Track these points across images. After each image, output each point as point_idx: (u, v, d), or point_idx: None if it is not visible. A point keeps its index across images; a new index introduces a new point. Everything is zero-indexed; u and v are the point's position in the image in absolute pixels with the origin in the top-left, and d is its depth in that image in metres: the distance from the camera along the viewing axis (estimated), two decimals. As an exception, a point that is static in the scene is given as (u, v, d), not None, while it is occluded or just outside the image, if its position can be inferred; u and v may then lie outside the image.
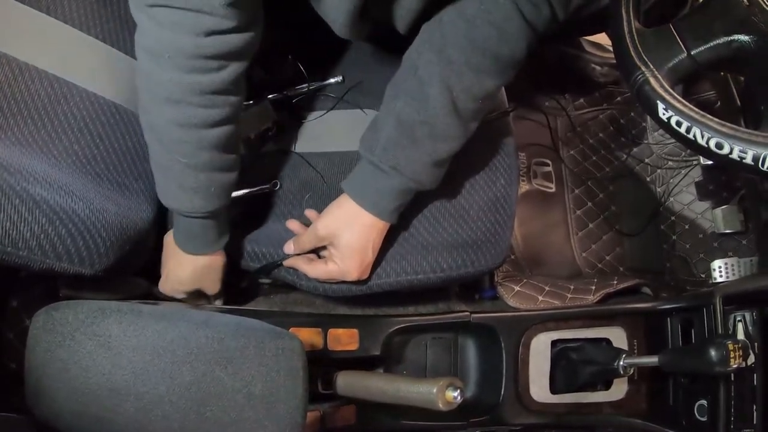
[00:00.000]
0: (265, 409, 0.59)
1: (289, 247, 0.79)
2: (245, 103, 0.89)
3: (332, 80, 0.95)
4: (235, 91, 0.68)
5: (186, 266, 0.77)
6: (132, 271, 0.79)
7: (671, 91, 0.67)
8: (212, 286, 0.81)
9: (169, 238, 0.79)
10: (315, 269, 0.77)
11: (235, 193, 0.82)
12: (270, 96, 0.90)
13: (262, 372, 0.60)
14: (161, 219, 0.82)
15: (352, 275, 0.75)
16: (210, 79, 0.63)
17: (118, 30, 0.80)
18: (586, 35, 1.24)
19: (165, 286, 0.80)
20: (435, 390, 0.62)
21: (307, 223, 0.82)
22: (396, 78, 0.72)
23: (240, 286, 0.92)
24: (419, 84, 0.68)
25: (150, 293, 0.81)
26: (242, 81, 0.69)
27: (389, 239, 0.82)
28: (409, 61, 0.71)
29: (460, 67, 0.67)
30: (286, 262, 0.80)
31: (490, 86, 0.69)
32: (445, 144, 0.71)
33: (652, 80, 0.68)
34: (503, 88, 0.95)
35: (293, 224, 0.82)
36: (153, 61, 0.64)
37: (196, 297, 0.83)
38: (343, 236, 0.73)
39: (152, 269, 0.83)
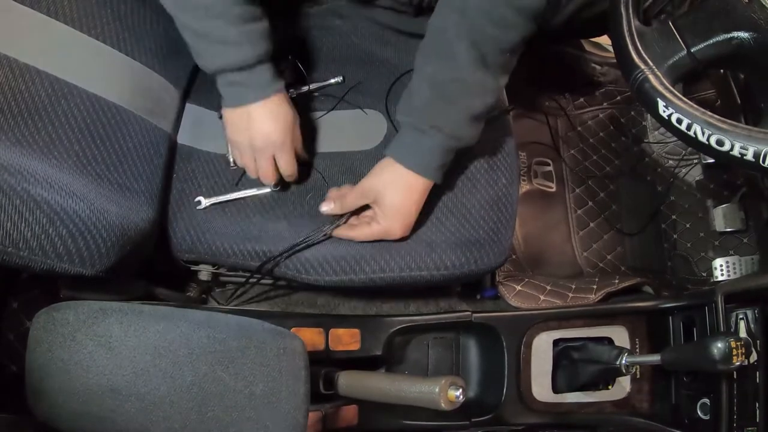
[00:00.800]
0: (267, 409, 0.59)
1: (329, 206, 0.80)
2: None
3: (332, 80, 0.95)
4: None
5: (265, 115, 0.77)
6: (133, 272, 0.79)
7: (671, 88, 0.67)
8: (291, 126, 0.80)
9: (233, 113, 0.79)
10: (360, 231, 0.78)
11: (237, 195, 0.84)
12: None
13: (263, 372, 0.60)
14: (161, 219, 0.82)
15: (396, 233, 0.77)
16: None
17: (118, 31, 0.80)
18: (587, 38, 1.24)
19: (254, 154, 0.80)
20: (437, 389, 0.62)
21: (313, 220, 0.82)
22: (423, 45, 0.75)
23: (240, 287, 0.92)
24: (447, 45, 0.71)
25: (151, 294, 0.81)
26: None
27: None
28: (434, 26, 0.74)
29: (483, 23, 0.69)
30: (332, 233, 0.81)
31: (514, 37, 0.71)
32: (479, 99, 0.73)
33: (651, 78, 0.68)
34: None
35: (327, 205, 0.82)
36: None
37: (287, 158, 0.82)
38: (387, 195, 0.75)
39: (153, 270, 0.83)
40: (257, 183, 0.88)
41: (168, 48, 0.87)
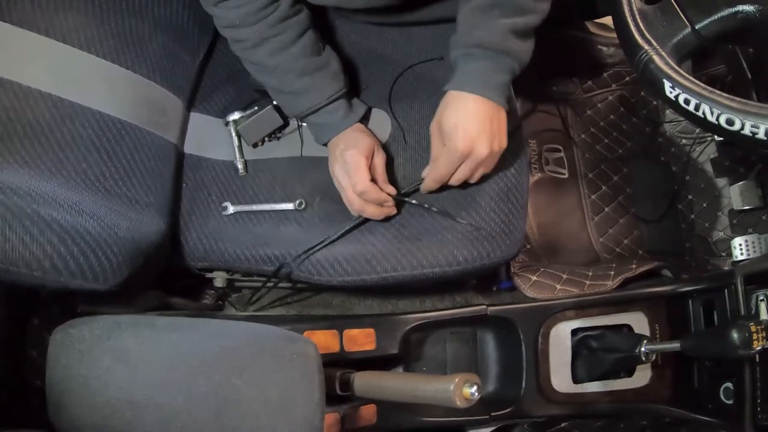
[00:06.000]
0: (283, 414, 0.60)
1: (428, 183, 0.80)
2: (251, 110, 0.90)
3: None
4: (294, 13, 0.81)
5: (348, 140, 0.82)
6: (148, 284, 0.80)
7: (677, 68, 0.66)
8: (376, 141, 0.82)
9: (330, 158, 0.83)
10: (435, 170, 0.78)
11: (263, 207, 0.87)
12: (275, 102, 0.90)
13: (277, 378, 0.60)
14: (173, 230, 0.83)
15: (459, 146, 0.74)
16: (272, 14, 0.78)
17: (117, 46, 0.80)
18: (591, 18, 1.22)
19: (348, 191, 0.80)
20: (451, 387, 0.61)
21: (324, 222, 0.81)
22: None
23: (256, 292, 0.93)
24: None
25: (167, 304, 0.82)
26: (294, 5, 0.81)
27: (404, 233, 0.82)
28: None
29: None
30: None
31: None
32: (519, 17, 0.75)
33: (656, 58, 0.66)
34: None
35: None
36: (233, 30, 0.80)
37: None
38: (446, 117, 0.75)
39: (168, 280, 0.84)
40: (268, 191, 0.88)
41: (168, 59, 0.87)
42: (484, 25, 0.75)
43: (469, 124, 0.74)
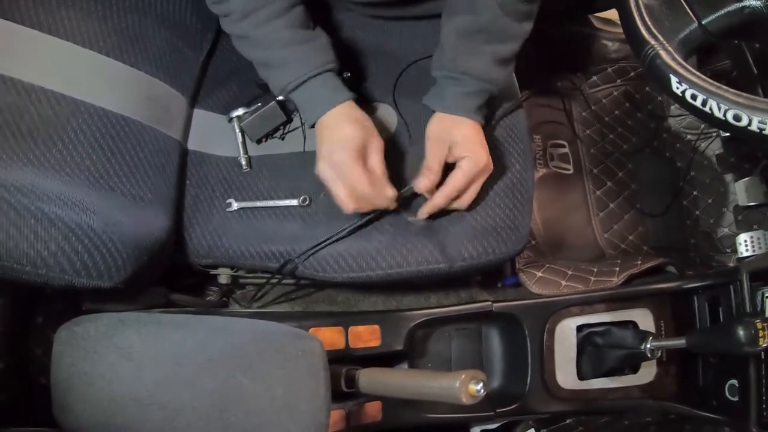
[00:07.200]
0: (288, 411, 0.60)
1: (422, 183, 0.78)
2: (254, 106, 0.90)
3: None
4: None
5: (336, 127, 0.77)
6: (153, 281, 0.80)
7: (684, 63, 0.65)
8: (371, 128, 0.78)
9: (316, 131, 0.79)
10: (454, 181, 0.77)
11: (267, 203, 0.87)
12: (278, 97, 0.90)
13: (282, 375, 0.60)
14: (177, 227, 0.83)
15: (484, 159, 0.78)
16: None
17: (120, 43, 0.80)
18: (593, 12, 1.22)
19: (330, 171, 0.76)
20: (457, 384, 0.61)
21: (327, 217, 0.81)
22: (447, 4, 0.81)
23: (260, 289, 0.93)
24: (468, 0, 0.77)
25: (171, 301, 0.82)
26: None
27: (409, 229, 0.81)
28: None
29: None
30: (422, 215, 0.80)
31: None
32: (504, 45, 0.79)
33: (663, 53, 0.66)
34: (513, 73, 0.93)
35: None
36: (221, 5, 0.78)
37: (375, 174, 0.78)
38: (457, 132, 0.78)
39: (173, 276, 0.84)
40: (273, 187, 0.88)
41: (172, 56, 0.87)
42: (468, 51, 0.78)
43: (482, 140, 0.78)
